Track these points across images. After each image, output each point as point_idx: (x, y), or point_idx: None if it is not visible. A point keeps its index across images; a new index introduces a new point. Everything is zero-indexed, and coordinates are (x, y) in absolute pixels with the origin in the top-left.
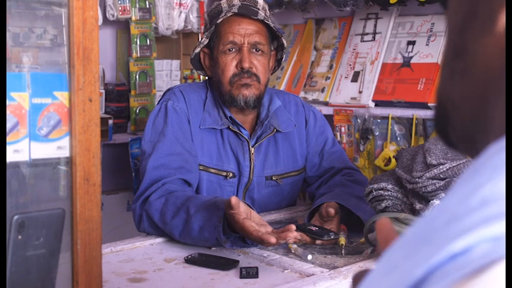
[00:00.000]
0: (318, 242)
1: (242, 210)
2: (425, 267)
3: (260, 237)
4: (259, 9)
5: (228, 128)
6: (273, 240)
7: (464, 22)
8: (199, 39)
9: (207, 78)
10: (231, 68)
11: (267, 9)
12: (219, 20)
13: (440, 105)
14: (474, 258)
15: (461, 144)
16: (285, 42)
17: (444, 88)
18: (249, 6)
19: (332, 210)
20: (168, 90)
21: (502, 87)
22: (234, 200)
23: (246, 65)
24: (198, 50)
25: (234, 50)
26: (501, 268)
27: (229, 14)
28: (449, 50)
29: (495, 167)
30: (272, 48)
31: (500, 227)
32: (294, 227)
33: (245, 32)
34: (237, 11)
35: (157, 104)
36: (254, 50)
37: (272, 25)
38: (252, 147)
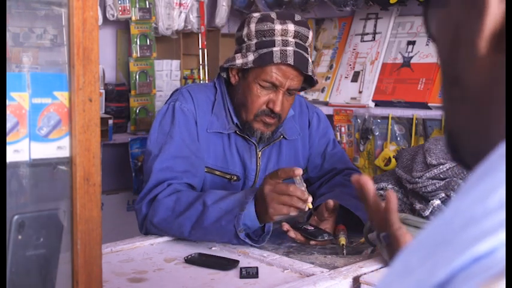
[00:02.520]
0: (312, 242)
1: None
2: (448, 269)
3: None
4: (308, 49)
5: (235, 132)
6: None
7: (451, 52)
8: (200, 39)
9: (214, 80)
10: (261, 103)
11: (311, 39)
12: (271, 65)
13: (449, 133)
14: (499, 260)
15: (476, 164)
16: (317, 81)
17: (449, 116)
18: (302, 53)
19: (331, 202)
20: (176, 90)
21: (501, 109)
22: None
23: (278, 109)
24: (239, 62)
25: (270, 86)
26: None
27: (284, 62)
28: (444, 80)
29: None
30: None
31: None
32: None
33: (288, 75)
34: (293, 63)
35: (165, 104)
36: (287, 93)
37: (315, 78)
38: (260, 151)
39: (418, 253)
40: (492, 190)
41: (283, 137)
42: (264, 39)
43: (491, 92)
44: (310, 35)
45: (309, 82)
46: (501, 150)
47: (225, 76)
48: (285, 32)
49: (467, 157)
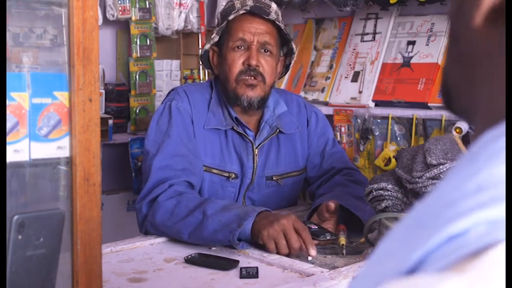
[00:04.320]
0: (315, 242)
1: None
2: (422, 249)
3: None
4: (271, 12)
5: (232, 128)
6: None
7: (456, 12)
8: (200, 39)
9: (211, 78)
10: (238, 65)
11: (280, 14)
12: (231, 17)
13: (444, 85)
14: (470, 240)
15: (461, 116)
16: (294, 47)
17: (445, 72)
18: (262, 7)
19: (332, 205)
20: (172, 90)
21: (486, 73)
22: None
23: (254, 62)
24: (208, 46)
25: (243, 48)
26: (497, 251)
27: (241, 12)
28: (449, 38)
29: (490, 155)
30: (281, 54)
31: (496, 211)
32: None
33: (255, 30)
34: (249, 9)
35: (161, 103)
36: (263, 51)
37: (283, 27)
38: (256, 148)
39: (400, 235)
40: (472, 175)
41: (280, 131)
42: (226, 12)
43: (481, 62)
44: (274, 4)
45: (289, 51)
46: (486, 137)
47: (210, 72)
48: (243, 2)
49: (458, 109)
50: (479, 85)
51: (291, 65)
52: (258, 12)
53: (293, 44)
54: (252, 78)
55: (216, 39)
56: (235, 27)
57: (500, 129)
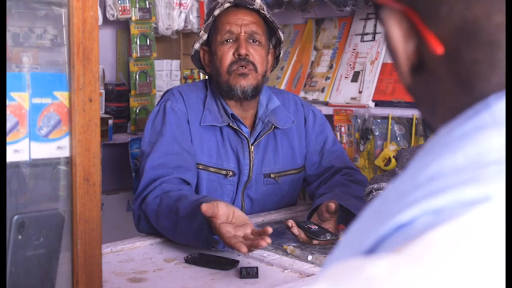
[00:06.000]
0: (315, 242)
1: (221, 213)
2: (374, 237)
3: (232, 246)
4: (255, 2)
5: (228, 125)
6: (243, 249)
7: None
8: None
9: (206, 78)
10: (228, 56)
11: (265, 6)
12: (217, 12)
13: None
14: (417, 229)
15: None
16: (282, 35)
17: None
18: None
19: (333, 205)
20: (167, 91)
21: (443, 108)
22: (204, 208)
23: (243, 51)
24: (197, 45)
25: (231, 40)
26: (431, 234)
27: (226, 5)
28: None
29: (442, 146)
30: (271, 47)
31: (441, 200)
32: (270, 230)
33: (242, 22)
34: (233, 1)
35: (156, 105)
36: (251, 41)
37: (268, 15)
38: (252, 145)
39: (359, 225)
40: (424, 167)
41: (275, 127)
42: (211, 9)
43: (432, 101)
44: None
45: (278, 41)
46: (439, 133)
47: (202, 72)
48: None
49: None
50: (439, 117)
51: (280, 55)
52: (242, 3)
53: (280, 32)
54: (243, 67)
55: (205, 37)
56: (221, 22)
57: (453, 123)
